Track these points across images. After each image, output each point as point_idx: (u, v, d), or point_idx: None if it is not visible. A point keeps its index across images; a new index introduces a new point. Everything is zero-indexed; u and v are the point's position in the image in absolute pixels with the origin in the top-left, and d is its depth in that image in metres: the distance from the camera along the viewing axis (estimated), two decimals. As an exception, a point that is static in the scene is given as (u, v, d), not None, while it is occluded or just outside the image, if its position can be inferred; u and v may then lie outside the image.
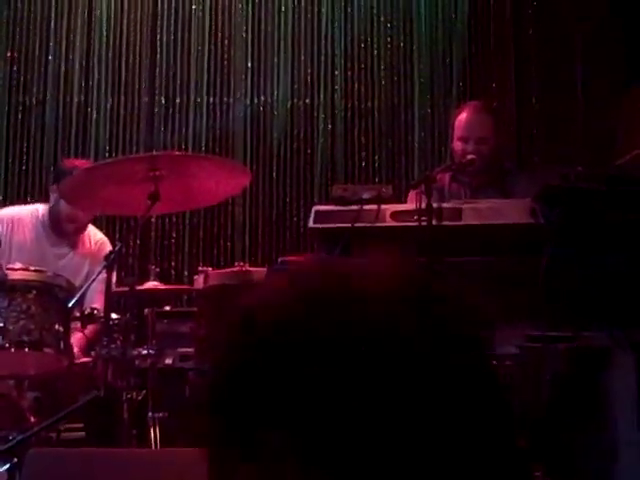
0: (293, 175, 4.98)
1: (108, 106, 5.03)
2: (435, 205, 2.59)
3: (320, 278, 0.70)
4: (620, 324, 2.22)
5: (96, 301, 3.38)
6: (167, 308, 3.92)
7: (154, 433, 3.11)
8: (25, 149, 5.00)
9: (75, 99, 5.03)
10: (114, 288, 3.25)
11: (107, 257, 2.98)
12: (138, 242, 4.69)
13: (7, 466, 2.60)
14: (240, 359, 0.67)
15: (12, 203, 4.52)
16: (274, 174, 4.97)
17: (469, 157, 3.44)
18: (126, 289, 3.19)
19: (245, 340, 0.68)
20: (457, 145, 3.56)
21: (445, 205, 2.67)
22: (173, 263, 4.90)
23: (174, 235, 4.92)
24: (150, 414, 3.13)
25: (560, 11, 5.02)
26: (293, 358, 0.65)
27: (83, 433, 3.23)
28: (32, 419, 3.00)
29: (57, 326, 2.94)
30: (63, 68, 5.05)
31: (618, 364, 2.25)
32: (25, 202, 4.47)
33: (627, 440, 2.21)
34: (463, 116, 3.61)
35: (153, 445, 3.06)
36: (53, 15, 5.06)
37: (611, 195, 2.34)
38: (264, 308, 0.69)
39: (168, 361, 3.50)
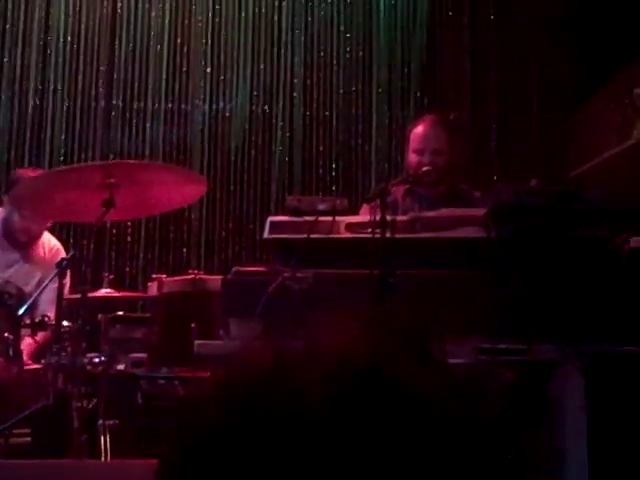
0: (250, 182, 4.98)
1: (64, 110, 4.97)
2: (389, 218, 2.61)
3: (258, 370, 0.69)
4: (569, 339, 2.25)
5: (48, 309, 3.34)
6: (120, 313, 3.89)
7: (104, 441, 3.08)
8: (-22, 151, 4.93)
9: (30, 102, 4.97)
10: (66, 295, 3.22)
11: (59, 264, 2.95)
12: (92, 248, 4.64)
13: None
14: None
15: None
16: (231, 181, 4.96)
17: (424, 168, 3.47)
18: (78, 296, 3.16)
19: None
20: (412, 157, 3.58)
21: (399, 218, 2.69)
22: (128, 270, 4.86)
23: (129, 241, 4.89)
24: (101, 421, 3.10)
25: (518, 24, 5.09)
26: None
27: (29, 439, 3.19)
28: (-20, 427, 2.95)
29: (6, 334, 2.90)
30: (19, 70, 4.98)
31: (567, 378, 2.29)
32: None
33: (575, 454, 2.25)
34: (419, 129, 3.63)
35: (103, 453, 3.03)
36: (9, 16, 5.00)
37: (561, 212, 2.38)
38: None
39: (120, 367, 3.46)
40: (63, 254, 3.79)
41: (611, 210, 2.43)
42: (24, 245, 3.86)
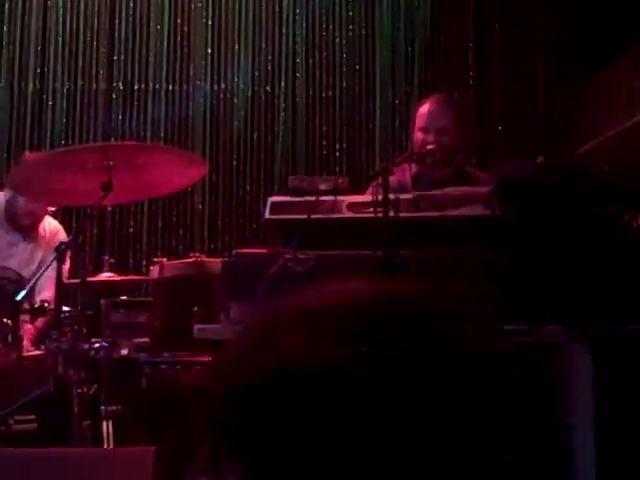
0: (253, 164, 4.93)
1: (64, 92, 4.93)
2: (392, 196, 2.56)
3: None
4: (575, 320, 2.21)
5: (47, 293, 3.31)
6: (123, 298, 3.86)
7: (107, 427, 3.05)
8: (-22, 135, 4.89)
9: (30, 85, 4.93)
10: (66, 280, 3.19)
11: (57, 248, 2.91)
12: (95, 232, 4.61)
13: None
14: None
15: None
16: (234, 163, 4.91)
17: (429, 147, 3.42)
18: (78, 281, 3.12)
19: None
20: (417, 136, 3.53)
21: (402, 196, 2.64)
22: (131, 254, 4.82)
23: (132, 224, 4.85)
24: (103, 407, 3.07)
25: (524, 2, 5.01)
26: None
27: (34, 425, 3.18)
28: (-19, 413, 2.93)
29: (5, 319, 2.87)
30: (18, 53, 4.93)
31: (573, 360, 2.25)
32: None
33: (582, 437, 2.21)
34: (425, 107, 3.59)
35: (105, 439, 3.00)
36: (8, -3, 4.95)
37: (568, 189, 2.33)
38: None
39: (123, 352, 3.43)
40: (63, 235, 3.78)
41: (619, 187, 2.38)
42: (27, 228, 3.85)
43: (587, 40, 4.66)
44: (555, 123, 4.79)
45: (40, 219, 3.88)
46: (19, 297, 2.89)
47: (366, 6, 5.04)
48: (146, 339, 3.41)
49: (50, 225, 3.95)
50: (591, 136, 4.12)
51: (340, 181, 2.73)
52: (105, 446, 2.92)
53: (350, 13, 5.04)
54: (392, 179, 2.73)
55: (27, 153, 4.14)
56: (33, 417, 3.17)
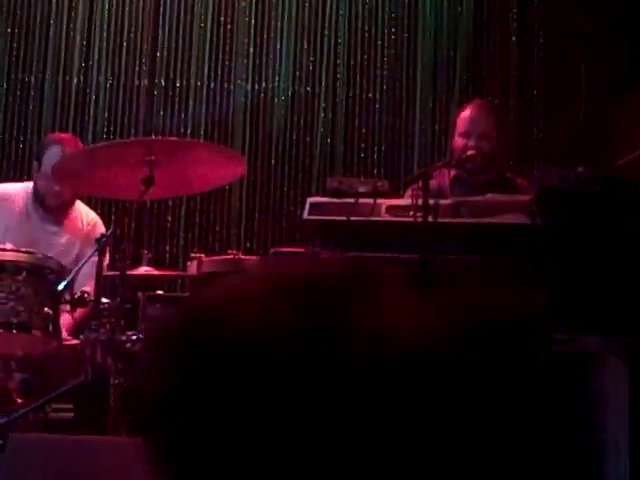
0: (292, 164, 4.95)
1: (107, 87, 4.98)
2: (432, 201, 2.57)
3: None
4: (614, 331, 2.20)
5: (87, 284, 3.35)
6: (160, 292, 3.89)
7: (141, 419, 3.08)
8: (23, 128, 4.96)
9: (74, 79, 4.99)
10: (105, 272, 3.22)
11: (98, 240, 2.95)
12: (133, 226, 4.65)
13: (-9, 448, 2.58)
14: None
15: (8, 180, 4.47)
16: (272, 162, 4.93)
17: (469, 152, 3.42)
18: (117, 273, 3.16)
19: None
20: (458, 141, 3.53)
21: (443, 201, 2.64)
22: (168, 248, 4.87)
23: (169, 220, 4.89)
24: (138, 400, 3.10)
25: (565, 9, 4.98)
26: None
27: (71, 414, 3.22)
28: (19, 401, 2.98)
29: (46, 308, 2.91)
30: (63, 47, 5.00)
31: (611, 370, 2.23)
32: (21, 180, 4.43)
33: (616, 447, 2.20)
34: (466, 112, 3.59)
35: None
36: (55, -6, 5.01)
37: (610, 199, 2.32)
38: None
39: (158, 346, 3.47)
40: (102, 229, 3.80)
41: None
42: (56, 211, 3.85)
43: (632, 50, 4.62)
44: (596, 133, 4.75)
45: (68, 203, 3.87)
46: (60, 287, 2.93)
47: (409, 9, 5.03)
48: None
49: (88, 217, 3.96)
50: (632, 148, 4.08)
51: (379, 184, 2.74)
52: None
53: (393, 15, 5.04)
54: (431, 183, 2.74)
55: (52, 136, 4.15)
56: (70, 406, 3.21)
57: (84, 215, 3.95)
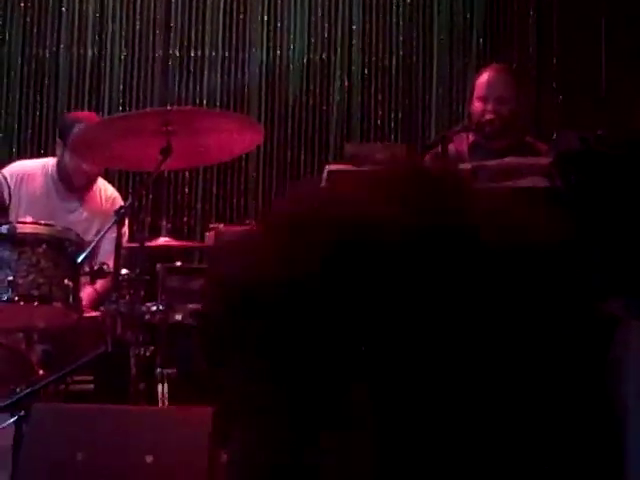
0: (308, 132, 4.92)
1: (122, 58, 4.97)
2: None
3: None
4: (636, 295, 2.17)
5: (106, 256, 3.36)
6: (178, 264, 3.90)
7: (162, 389, 3.10)
8: (39, 101, 4.96)
9: (89, 51, 4.97)
10: (125, 243, 3.23)
11: (117, 212, 2.95)
12: (150, 197, 4.65)
13: (14, 419, 2.61)
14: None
15: (25, 156, 4.49)
16: (289, 130, 4.91)
17: (488, 117, 3.38)
18: (137, 245, 3.17)
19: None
20: (476, 105, 3.49)
21: (460, 166, 2.62)
22: (185, 219, 4.87)
23: (187, 191, 4.89)
24: (159, 370, 3.13)
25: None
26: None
27: (92, 386, 3.24)
28: (41, 372, 3.00)
29: (66, 280, 2.92)
30: (77, 20, 4.98)
31: (631, 335, 2.21)
32: (38, 155, 4.45)
33: (637, 418, 2.18)
34: (484, 76, 3.55)
35: (161, 401, 3.06)
36: (68, -36, 4.98)
37: (631, 161, 2.28)
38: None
39: (178, 317, 3.48)
40: (120, 202, 3.80)
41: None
42: (81, 189, 3.86)
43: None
44: (617, 96, 4.69)
45: (94, 179, 3.89)
46: (80, 259, 2.94)
47: (425, -28, 4.97)
48: (200, 305, 3.45)
49: (107, 192, 3.97)
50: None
51: (398, 149, 2.72)
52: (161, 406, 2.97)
53: (408, -20, 4.97)
54: (450, 147, 2.72)
55: (72, 115, 4.15)
56: (91, 377, 3.23)
57: (103, 191, 3.95)
